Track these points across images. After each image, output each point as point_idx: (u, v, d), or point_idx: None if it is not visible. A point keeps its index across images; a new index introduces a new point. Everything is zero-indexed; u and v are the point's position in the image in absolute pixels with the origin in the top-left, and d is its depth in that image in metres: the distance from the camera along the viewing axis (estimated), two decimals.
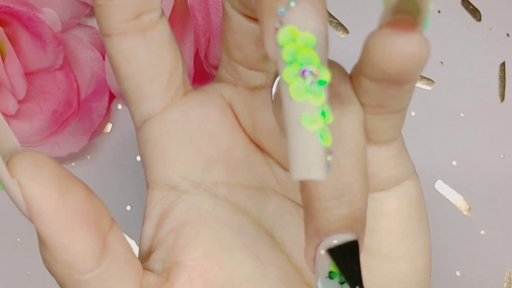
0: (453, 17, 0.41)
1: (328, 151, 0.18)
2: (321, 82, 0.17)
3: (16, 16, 0.35)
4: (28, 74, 0.36)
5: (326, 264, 0.20)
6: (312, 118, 0.17)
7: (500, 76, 0.41)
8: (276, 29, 0.18)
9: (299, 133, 0.17)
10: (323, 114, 0.17)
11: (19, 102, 0.37)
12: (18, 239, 0.39)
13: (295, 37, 0.18)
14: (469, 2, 0.41)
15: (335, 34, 0.40)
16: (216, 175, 0.25)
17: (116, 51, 0.24)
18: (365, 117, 0.21)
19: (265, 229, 0.25)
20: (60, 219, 0.20)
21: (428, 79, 0.41)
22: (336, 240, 0.20)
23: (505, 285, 0.39)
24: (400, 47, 0.18)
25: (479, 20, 0.41)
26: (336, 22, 0.41)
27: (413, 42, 0.18)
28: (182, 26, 0.37)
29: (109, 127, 0.40)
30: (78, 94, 0.37)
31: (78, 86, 0.37)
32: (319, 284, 0.20)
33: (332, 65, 0.21)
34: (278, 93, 0.22)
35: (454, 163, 0.40)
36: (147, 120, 0.25)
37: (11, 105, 0.37)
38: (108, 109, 0.38)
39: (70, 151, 0.38)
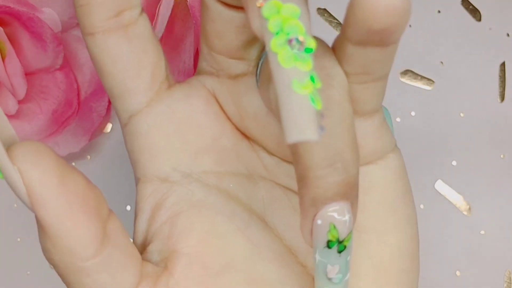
0: (453, 17, 0.41)
1: (320, 114, 0.18)
2: (307, 50, 0.18)
3: (16, 16, 0.35)
4: (28, 74, 0.36)
5: (324, 233, 0.20)
6: (302, 83, 0.18)
7: (500, 76, 0.41)
8: (260, 4, 0.19)
9: (291, 98, 0.18)
10: (312, 79, 0.18)
11: (19, 102, 0.37)
12: (18, 239, 0.39)
13: (280, 9, 0.18)
14: (469, 2, 0.41)
15: (335, 34, 0.41)
16: (205, 165, 0.25)
17: (100, 49, 0.24)
18: (350, 87, 0.22)
19: (256, 215, 0.25)
20: (61, 203, 0.20)
21: (428, 79, 0.41)
22: (331, 208, 0.20)
23: (505, 285, 0.39)
24: None
25: (479, 20, 0.41)
26: (336, 22, 0.41)
27: None
28: (182, 26, 0.37)
29: (109, 127, 0.40)
30: (78, 94, 0.37)
31: (78, 86, 0.37)
32: (318, 256, 0.21)
33: (314, 38, 0.21)
34: (263, 73, 0.23)
35: (454, 163, 0.40)
36: (133, 115, 0.25)
37: (11, 105, 0.37)
38: (108, 109, 0.38)
39: (70, 151, 0.38)
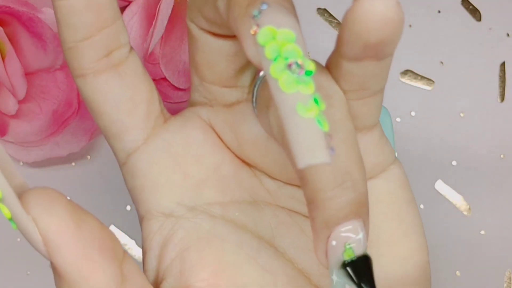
0: (453, 17, 0.41)
1: (328, 135, 0.18)
2: (307, 73, 0.18)
3: (16, 16, 0.35)
4: (28, 74, 0.36)
5: (339, 254, 0.20)
6: (307, 107, 0.18)
7: (500, 76, 0.41)
8: (254, 32, 0.19)
9: (297, 122, 0.18)
10: (315, 101, 0.18)
11: (19, 102, 0.37)
12: (18, 239, 0.39)
13: (275, 35, 0.18)
14: (469, 2, 0.41)
15: (335, 34, 0.41)
16: (209, 196, 0.25)
17: (92, 90, 0.24)
18: (348, 104, 0.22)
19: (265, 240, 0.25)
20: (78, 249, 0.19)
21: (428, 79, 0.41)
22: (344, 228, 0.20)
23: (505, 285, 0.39)
24: (379, 11, 0.19)
25: (479, 20, 0.41)
26: (336, 22, 0.41)
27: (391, 5, 0.19)
28: (182, 26, 0.37)
29: None
30: (78, 94, 0.37)
31: None
32: (335, 277, 0.20)
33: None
34: (260, 99, 0.23)
35: (454, 163, 0.40)
36: (131, 153, 0.25)
37: (11, 105, 0.37)
38: None
39: (70, 151, 0.38)
